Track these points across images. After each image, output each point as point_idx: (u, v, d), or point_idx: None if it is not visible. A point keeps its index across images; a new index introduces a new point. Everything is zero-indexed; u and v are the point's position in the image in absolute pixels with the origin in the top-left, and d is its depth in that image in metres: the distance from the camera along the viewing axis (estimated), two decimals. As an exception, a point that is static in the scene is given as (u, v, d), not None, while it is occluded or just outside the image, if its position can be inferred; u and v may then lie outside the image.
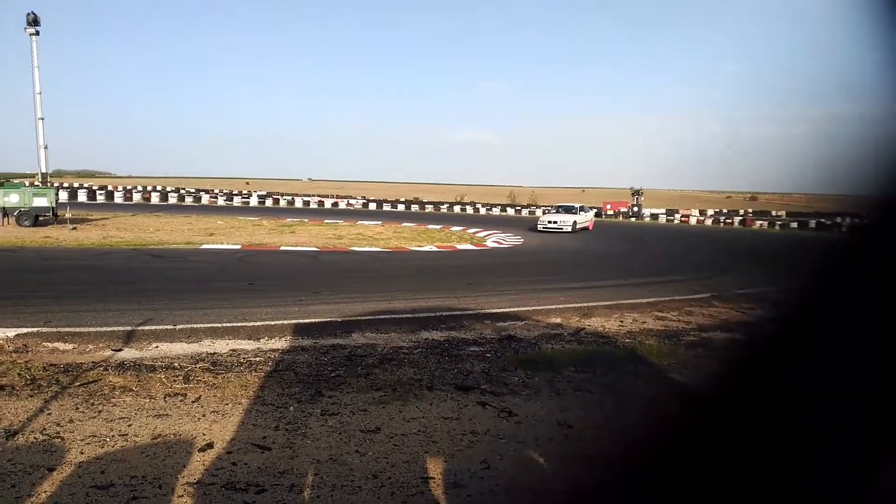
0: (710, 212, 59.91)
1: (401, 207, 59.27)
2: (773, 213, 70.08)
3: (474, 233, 25.73)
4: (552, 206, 32.20)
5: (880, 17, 0.76)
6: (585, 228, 28.29)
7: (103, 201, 48.12)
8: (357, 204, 61.43)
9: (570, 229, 26.15)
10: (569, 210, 28.87)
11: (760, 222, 51.19)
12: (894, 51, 0.75)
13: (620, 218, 55.50)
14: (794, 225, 49.53)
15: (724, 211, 64.63)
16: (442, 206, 59.87)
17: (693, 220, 54.45)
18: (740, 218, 54.92)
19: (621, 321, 7.35)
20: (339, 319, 6.86)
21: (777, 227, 47.66)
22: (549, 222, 27.23)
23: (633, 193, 56.67)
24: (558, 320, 7.25)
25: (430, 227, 29.25)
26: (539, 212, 47.38)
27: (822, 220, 53.40)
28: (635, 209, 55.94)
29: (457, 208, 59.14)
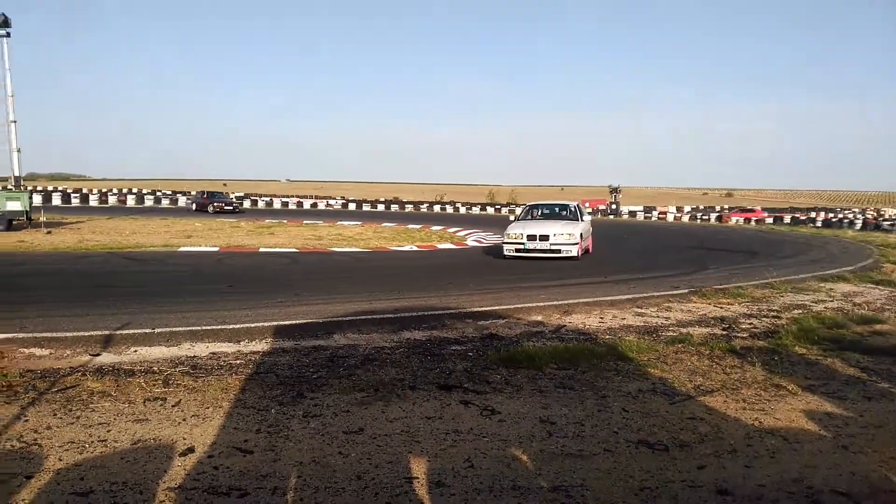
0: (688, 208, 60.62)
1: (380, 207, 59.25)
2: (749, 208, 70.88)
3: (454, 232, 25.79)
4: (529, 207, 17.64)
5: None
6: (586, 248, 15.79)
7: (78, 204, 47.52)
8: (336, 204, 61.28)
9: (575, 253, 14.06)
10: (560, 212, 16.25)
11: (736, 218, 51.77)
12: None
13: (599, 215, 55.88)
14: (770, 220, 50.17)
15: (701, 207, 65.38)
16: (422, 206, 59.96)
17: (670, 217, 55.06)
18: (717, 214, 55.55)
19: (601, 318, 7.40)
20: (320, 320, 6.84)
21: (753, 223, 48.21)
22: (529, 239, 14.17)
23: (611, 191, 57.20)
24: (539, 318, 7.28)
25: (411, 226, 29.26)
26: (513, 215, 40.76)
27: (797, 215, 54.25)
28: (613, 206, 56.45)
29: (437, 208, 59.27)
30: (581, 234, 14.54)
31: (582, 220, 15.48)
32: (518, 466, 3.21)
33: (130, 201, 52.19)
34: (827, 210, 66.37)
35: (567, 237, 14.03)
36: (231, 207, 40.72)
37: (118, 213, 35.99)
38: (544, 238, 14.06)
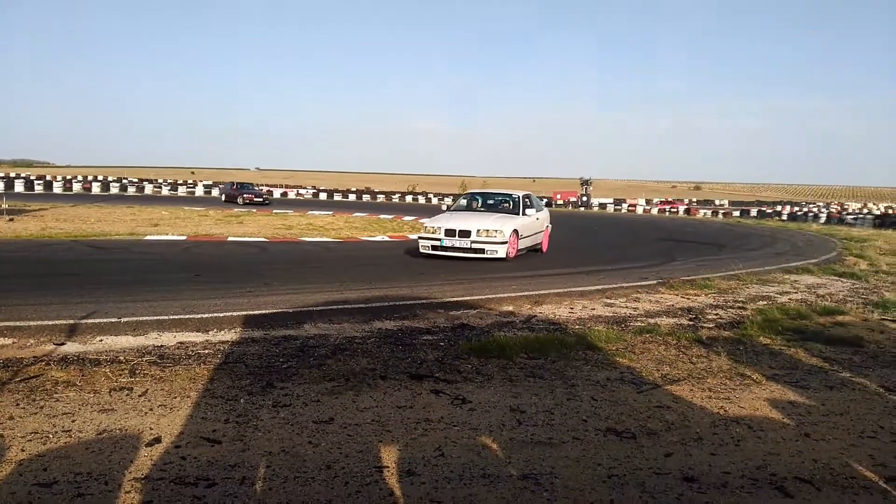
0: (656, 200, 61.27)
1: (352, 197, 58.90)
2: (717, 201, 71.99)
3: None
4: (469, 195, 15.00)
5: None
6: (537, 249, 14.12)
7: (42, 192, 46.49)
8: (307, 194, 60.78)
9: (501, 254, 11.89)
10: (498, 205, 13.87)
11: (704, 211, 52.53)
12: None
13: (570, 207, 56.24)
14: (737, 213, 50.95)
15: (670, 200, 66.13)
16: (394, 196, 59.75)
17: (640, 210, 55.68)
18: (685, 207, 56.28)
19: (571, 308, 7.46)
20: (291, 310, 6.79)
21: (720, 216, 48.94)
22: (447, 235, 12.12)
23: (582, 183, 57.53)
24: (510, 308, 7.32)
25: (383, 216, 29.14)
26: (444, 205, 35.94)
27: (763, 208, 55.19)
28: (584, 199, 56.81)
29: (409, 198, 59.09)
30: (517, 231, 12.35)
31: (524, 215, 13.08)
32: (488, 455, 3.23)
33: (95, 188, 51.15)
34: (792, 204, 67.63)
35: (493, 234, 11.76)
36: (261, 199, 38.81)
37: (83, 200, 35.23)
38: (465, 234, 11.84)
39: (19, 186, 47.16)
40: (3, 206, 20.59)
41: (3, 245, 13.09)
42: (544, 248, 14.54)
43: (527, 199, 13.80)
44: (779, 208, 55.91)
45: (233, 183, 42.86)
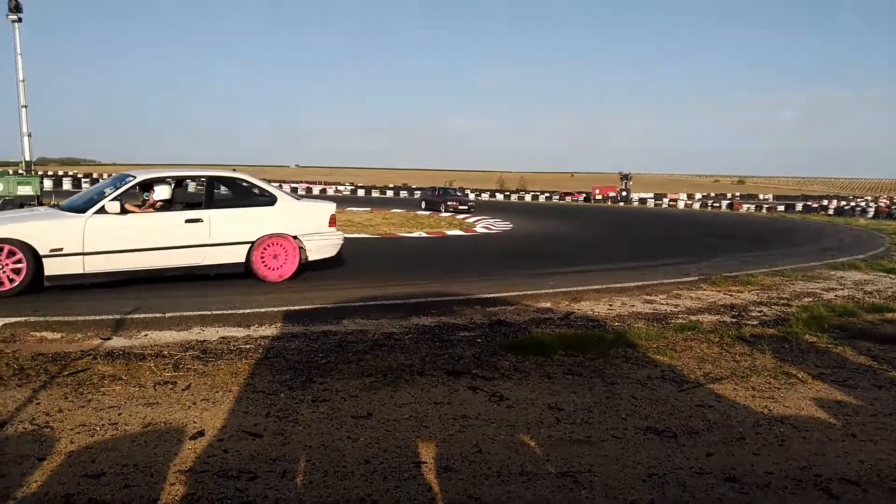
0: (698, 196, 60.29)
1: (390, 194, 59.12)
2: (761, 196, 70.44)
3: (463, 218, 25.74)
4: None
5: None
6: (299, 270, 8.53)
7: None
8: (346, 190, 61.28)
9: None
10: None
11: (748, 206, 51.46)
12: None
13: (609, 203, 55.66)
14: (781, 208, 49.82)
15: (712, 195, 65.00)
16: (431, 192, 59.74)
17: (681, 205, 54.75)
18: (727, 201, 55.21)
19: (610, 305, 7.38)
20: (330, 306, 6.85)
21: (764, 211, 47.89)
22: None
23: (621, 178, 56.94)
24: (548, 305, 7.27)
25: (420, 213, 29.20)
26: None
27: (809, 203, 53.86)
28: (624, 194, 56.17)
29: (446, 194, 59.04)
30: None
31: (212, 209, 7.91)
32: (526, 452, 3.21)
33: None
34: (839, 198, 65.85)
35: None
36: (466, 207, 31.85)
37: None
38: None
39: (67, 184, 48.51)
40: (53, 203, 21.24)
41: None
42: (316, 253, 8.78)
43: (248, 189, 8.73)
44: (825, 203, 54.51)
45: (434, 188, 37.90)
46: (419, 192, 60.02)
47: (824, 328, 6.18)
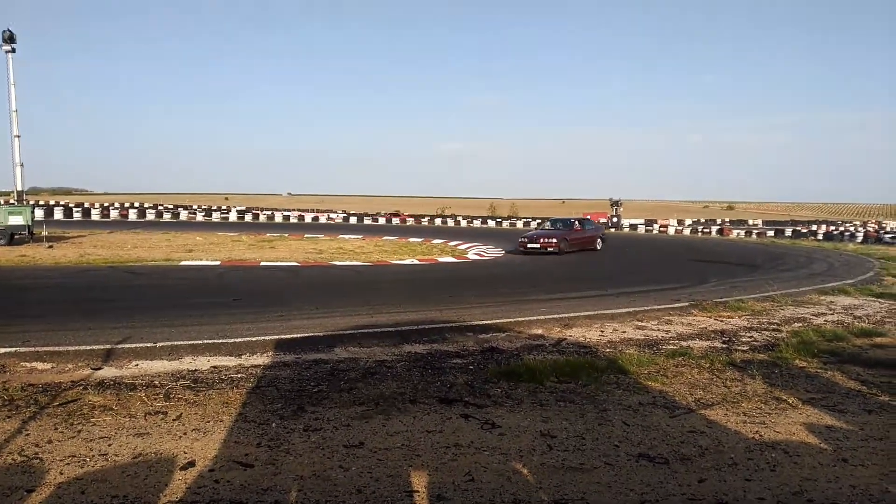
0: (688, 221, 60.65)
1: (381, 221, 59.21)
2: (750, 221, 70.95)
3: (455, 245, 25.77)
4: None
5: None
6: None
7: (80, 219, 47.54)
8: (338, 218, 61.33)
9: None
10: None
11: (737, 231, 51.76)
12: None
13: (600, 229, 55.80)
14: (771, 233, 50.15)
15: (702, 220, 65.44)
16: (423, 220, 59.96)
17: (671, 230, 55.00)
18: (717, 227, 55.52)
19: (602, 331, 7.40)
20: (322, 334, 6.84)
21: (754, 236, 48.19)
22: None
23: (612, 204, 57.21)
24: (540, 331, 7.28)
25: (412, 240, 29.23)
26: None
27: (798, 228, 54.27)
28: (614, 220, 56.40)
29: (438, 221, 59.28)
30: None
31: None
32: (519, 480, 3.21)
33: (132, 215, 52.28)
34: (828, 223, 66.32)
35: None
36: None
37: (120, 227, 36.08)
38: None
39: (59, 214, 48.40)
40: (43, 233, 21.18)
41: (44, 271, 13.44)
42: None
43: None
44: (814, 228, 54.88)
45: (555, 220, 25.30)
46: (412, 219, 60.17)
47: (814, 353, 6.22)
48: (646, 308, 9.18)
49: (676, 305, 9.47)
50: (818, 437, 3.96)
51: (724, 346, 6.71)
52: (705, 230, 54.57)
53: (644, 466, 3.42)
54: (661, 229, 55.64)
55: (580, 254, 21.38)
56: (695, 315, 8.67)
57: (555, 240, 21.06)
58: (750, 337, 7.21)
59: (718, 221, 63.31)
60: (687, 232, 54.40)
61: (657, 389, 4.92)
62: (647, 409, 4.43)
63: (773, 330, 7.63)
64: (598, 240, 23.23)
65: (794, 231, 51.71)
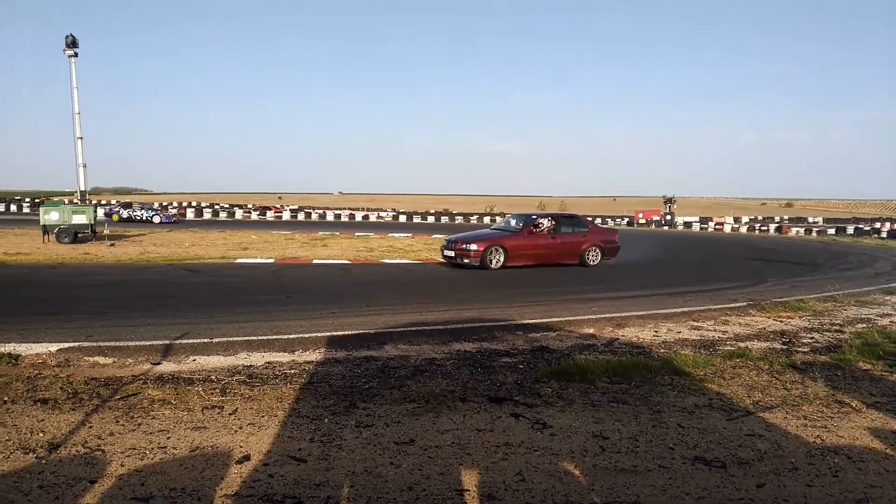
0: (745, 219, 59.07)
1: (430, 219, 59.44)
2: (810, 219, 68.72)
3: (505, 243, 25.62)
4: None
5: None
6: None
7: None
8: (388, 216, 61.83)
9: None
10: None
11: (797, 229, 50.20)
12: None
13: (653, 226, 54.96)
14: (832, 231, 48.47)
15: (759, 218, 63.64)
16: (472, 218, 59.95)
17: (727, 228, 53.71)
18: (776, 225, 53.96)
19: (656, 331, 7.26)
20: (372, 331, 6.90)
21: (814, 234, 46.65)
22: None
23: (665, 202, 56.19)
24: (591, 331, 7.19)
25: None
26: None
27: (860, 225, 52.28)
28: (668, 217, 55.40)
29: (486, 219, 59.15)
30: None
31: None
32: (570, 481, 3.17)
33: (189, 214, 53.73)
34: (892, 220, 63.75)
35: None
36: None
37: (178, 225, 37.18)
38: None
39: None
40: (106, 231, 21.94)
41: (105, 269, 13.91)
42: None
43: None
44: (877, 225, 52.86)
45: None
46: (460, 217, 60.21)
47: (879, 355, 5.97)
48: (701, 308, 8.97)
49: (733, 305, 9.23)
50: (884, 442, 3.80)
51: (784, 347, 6.50)
52: (763, 228, 53.12)
53: (700, 470, 3.34)
54: (717, 227, 54.37)
55: (631, 251, 20.76)
56: (753, 315, 8.44)
57: (475, 246, 14.60)
58: (811, 338, 6.97)
59: (777, 219, 61.45)
60: (744, 230, 53.03)
61: (713, 391, 4.80)
62: (703, 412, 4.33)
63: (836, 331, 7.36)
64: (594, 249, 15.82)
65: (856, 229, 49.92)
